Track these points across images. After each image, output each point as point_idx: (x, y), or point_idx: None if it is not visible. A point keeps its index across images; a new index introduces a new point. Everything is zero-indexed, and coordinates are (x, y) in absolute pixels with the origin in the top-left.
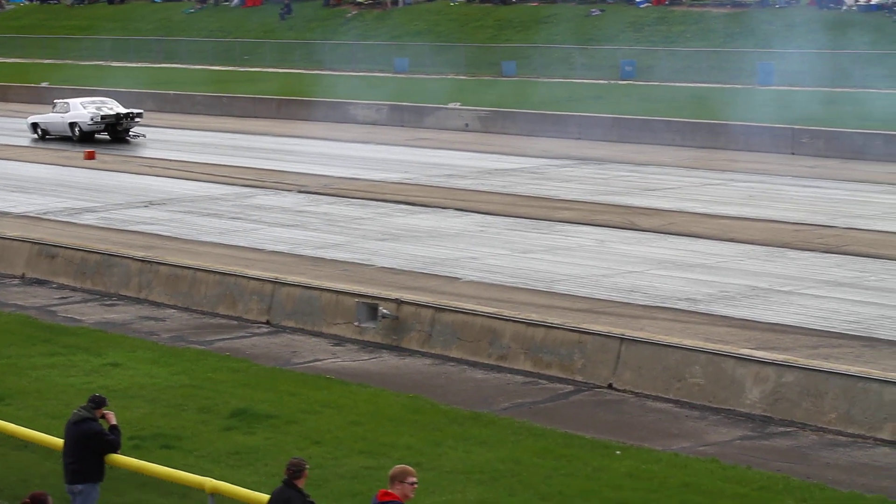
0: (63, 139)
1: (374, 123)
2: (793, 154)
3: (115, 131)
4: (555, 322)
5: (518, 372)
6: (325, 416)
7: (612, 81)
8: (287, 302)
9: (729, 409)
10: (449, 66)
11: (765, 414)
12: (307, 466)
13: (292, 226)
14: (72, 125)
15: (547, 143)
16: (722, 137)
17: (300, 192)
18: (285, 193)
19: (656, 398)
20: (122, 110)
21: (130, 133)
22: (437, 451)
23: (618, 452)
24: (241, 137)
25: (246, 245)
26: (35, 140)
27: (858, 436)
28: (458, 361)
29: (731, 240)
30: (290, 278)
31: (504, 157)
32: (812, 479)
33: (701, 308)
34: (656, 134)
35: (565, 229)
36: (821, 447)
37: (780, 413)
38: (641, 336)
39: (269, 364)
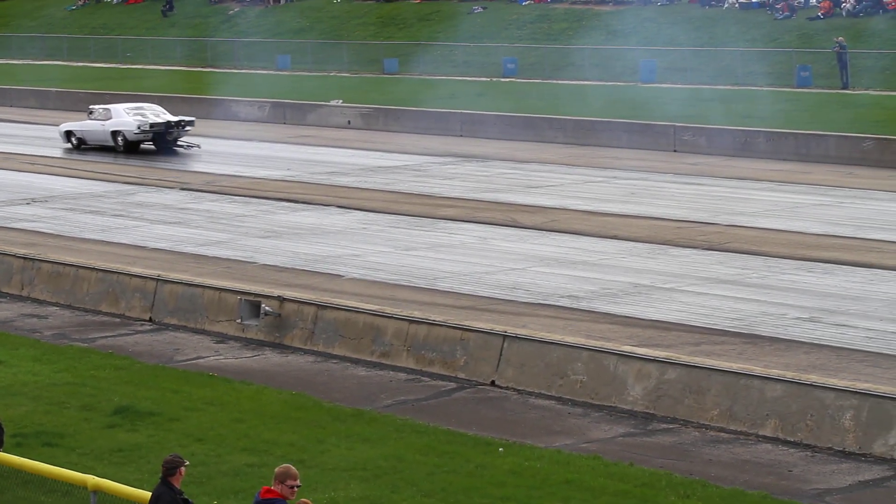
0: (102, 149)
1: (256, 121)
2: (675, 151)
3: (164, 141)
4: (437, 319)
5: (401, 369)
6: (207, 414)
7: (495, 79)
8: (170, 299)
9: (611, 406)
10: (331, 64)
11: (647, 411)
12: (184, 464)
13: (175, 223)
14: (114, 134)
15: (429, 141)
16: (604, 135)
17: (182, 189)
18: (167, 191)
19: (539, 395)
20: (172, 118)
21: (180, 143)
22: (319, 449)
23: (500, 449)
24: None
25: (128, 242)
26: (69, 150)
27: (740, 432)
28: (341, 359)
29: (614, 237)
30: (173, 276)
31: (386, 154)
32: (694, 475)
33: (583, 305)
34: (538, 131)
35: (448, 227)
36: (703, 444)
37: (662, 410)
38: (524, 333)
39: (152, 362)
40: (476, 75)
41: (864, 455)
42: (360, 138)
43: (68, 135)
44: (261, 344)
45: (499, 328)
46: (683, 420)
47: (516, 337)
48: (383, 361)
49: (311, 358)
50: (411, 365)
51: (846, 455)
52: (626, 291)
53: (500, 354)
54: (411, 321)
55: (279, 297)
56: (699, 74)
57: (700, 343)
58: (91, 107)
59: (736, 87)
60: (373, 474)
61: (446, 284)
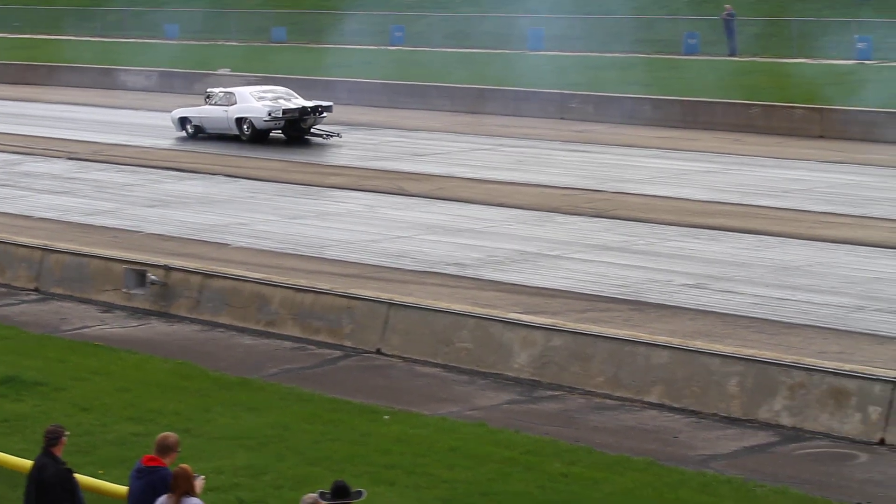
0: (223, 138)
1: (144, 90)
2: (562, 119)
3: (298, 129)
4: (323, 287)
5: (287, 337)
6: (93, 383)
7: (382, 47)
8: (56, 269)
9: (497, 374)
10: (220, 32)
11: (533, 378)
12: (65, 433)
13: (62, 193)
14: (240, 121)
15: None
16: (491, 102)
17: (70, 158)
18: (55, 160)
19: (425, 363)
20: (307, 103)
21: (316, 130)
22: (205, 417)
23: (386, 417)
24: (10, 104)
25: (14, 212)
26: (183, 139)
27: (626, 399)
28: (227, 327)
29: (501, 205)
30: (60, 245)
31: None
32: (580, 442)
33: (469, 273)
34: (426, 99)
35: (335, 195)
36: (589, 410)
37: (548, 377)
38: (409, 301)
39: (38, 331)
40: (364, 44)
41: (749, 421)
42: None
43: (183, 122)
44: (147, 313)
45: (384, 296)
46: (569, 387)
47: (402, 305)
48: (269, 330)
49: (197, 327)
50: (297, 333)
51: (731, 421)
52: (513, 259)
53: (386, 322)
54: (297, 289)
55: (165, 266)
56: (587, 42)
57: (586, 310)
58: (209, 90)
59: (623, 55)
60: (258, 443)
61: (333, 253)
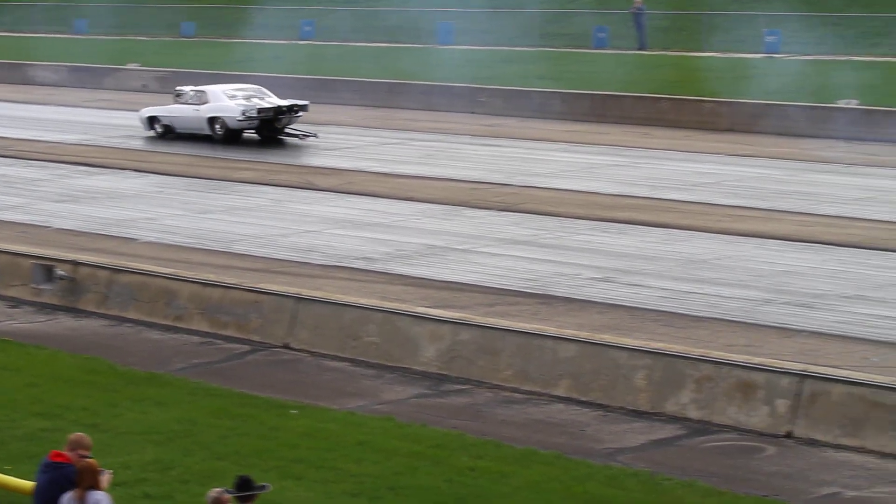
0: (193, 138)
1: (53, 85)
2: (472, 113)
3: (272, 129)
4: (231, 282)
5: (195, 332)
6: (1, 379)
7: (292, 42)
8: None
9: (405, 368)
10: (128, 27)
11: (441, 372)
12: None
13: None
14: (212, 121)
15: None
16: (401, 97)
17: None
18: None
19: (333, 357)
20: (282, 102)
21: (290, 130)
22: (113, 413)
23: (294, 412)
24: None
25: None
26: (151, 139)
27: (534, 392)
28: (135, 322)
29: (409, 199)
30: None
31: None
32: (487, 436)
33: (378, 267)
34: (335, 93)
35: (244, 189)
36: (496, 404)
37: (455, 371)
38: (317, 295)
39: None
40: (274, 38)
41: (656, 414)
42: (156, 102)
43: (152, 121)
44: (55, 308)
45: (292, 290)
46: (477, 381)
47: (310, 299)
48: (177, 325)
49: (104, 322)
50: (205, 328)
51: (639, 414)
52: (421, 253)
53: (294, 316)
54: (205, 284)
55: (73, 261)
56: (496, 36)
57: (494, 304)
58: (178, 88)
59: (533, 49)
60: (166, 438)
61: (241, 247)
